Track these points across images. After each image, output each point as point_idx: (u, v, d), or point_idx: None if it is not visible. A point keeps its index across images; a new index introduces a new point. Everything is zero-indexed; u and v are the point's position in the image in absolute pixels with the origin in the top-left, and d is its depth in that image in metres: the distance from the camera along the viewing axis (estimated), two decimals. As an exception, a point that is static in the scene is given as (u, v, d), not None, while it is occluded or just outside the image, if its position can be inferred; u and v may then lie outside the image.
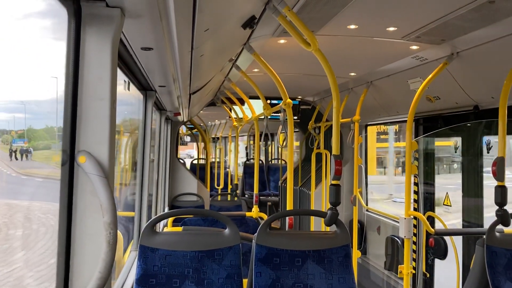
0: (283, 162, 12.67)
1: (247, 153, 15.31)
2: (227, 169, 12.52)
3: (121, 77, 3.08)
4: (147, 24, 2.03)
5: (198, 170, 10.70)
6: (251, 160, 14.66)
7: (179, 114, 6.61)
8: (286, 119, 4.18)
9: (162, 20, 1.95)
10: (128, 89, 3.49)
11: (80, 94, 1.74)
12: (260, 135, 6.31)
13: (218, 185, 10.02)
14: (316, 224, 7.50)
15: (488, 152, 5.10)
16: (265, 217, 5.37)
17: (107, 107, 1.75)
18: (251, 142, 16.42)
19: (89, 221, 1.71)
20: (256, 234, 2.90)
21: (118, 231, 1.70)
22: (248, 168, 12.61)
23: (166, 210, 7.19)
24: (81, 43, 1.74)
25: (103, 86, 1.76)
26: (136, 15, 1.88)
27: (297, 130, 10.19)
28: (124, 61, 2.82)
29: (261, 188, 12.78)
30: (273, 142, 15.05)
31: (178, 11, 1.84)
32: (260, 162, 13.66)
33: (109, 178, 1.70)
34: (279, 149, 14.68)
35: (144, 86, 4.02)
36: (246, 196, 12.09)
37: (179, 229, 3.83)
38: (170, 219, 5.24)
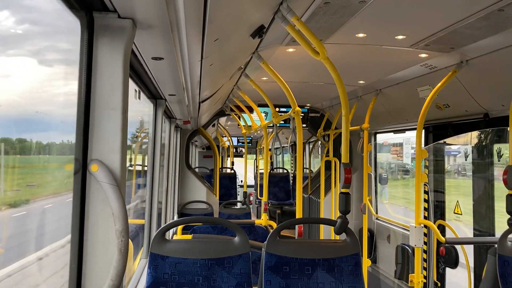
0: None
1: (271, 163, 15.50)
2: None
3: (131, 86, 3.12)
4: (158, 34, 2.06)
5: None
6: (275, 170, 14.61)
7: (189, 122, 6.65)
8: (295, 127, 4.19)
9: (173, 31, 1.98)
10: (139, 98, 3.52)
11: (93, 103, 1.77)
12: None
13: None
14: (325, 232, 7.47)
15: (499, 160, 5.06)
16: (274, 225, 5.36)
17: (119, 116, 1.78)
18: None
19: (101, 229, 1.73)
20: (265, 242, 2.90)
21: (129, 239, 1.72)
22: (272, 178, 12.64)
23: (176, 218, 7.21)
24: (93, 53, 1.77)
25: (115, 95, 1.78)
26: (148, 26, 1.91)
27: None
28: (135, 70, 2.85)
29: (285, 197, 12.78)
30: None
31: (189, 22, 1.86)
32: (286, 171, 13.68)
33: (121, 187, 1.72)
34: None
35: (154, 95, 4.06)
36: (270, 205, 12.11)
37: (188, 236, 3.84)
38: (180, 227, 5.25)
